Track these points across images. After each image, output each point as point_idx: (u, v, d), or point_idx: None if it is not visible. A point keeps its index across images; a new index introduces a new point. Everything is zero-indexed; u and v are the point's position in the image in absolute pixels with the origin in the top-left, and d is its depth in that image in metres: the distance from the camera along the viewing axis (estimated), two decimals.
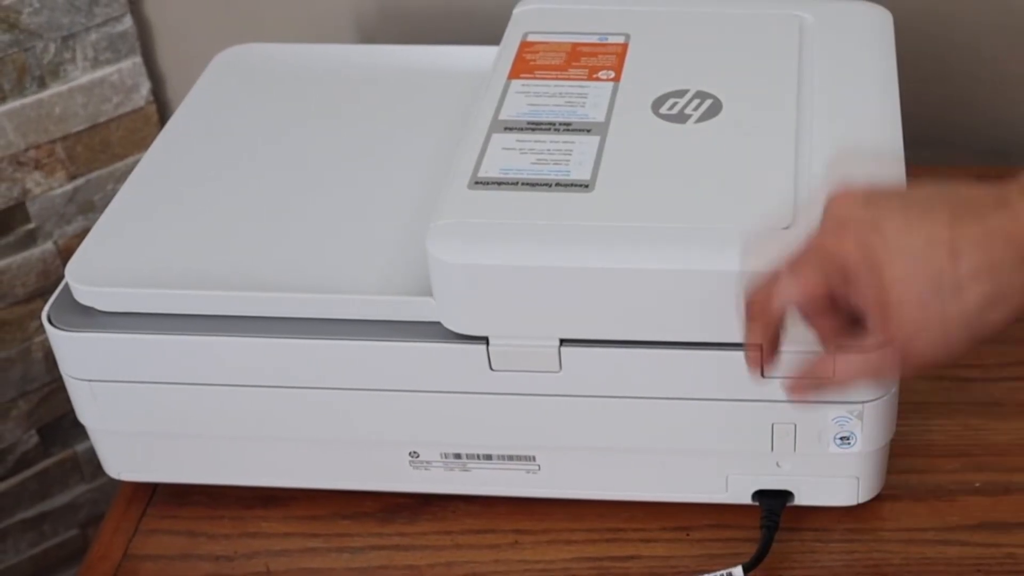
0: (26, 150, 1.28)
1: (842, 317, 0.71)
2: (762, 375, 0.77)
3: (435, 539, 0.94)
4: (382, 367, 0.87)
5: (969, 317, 0.67)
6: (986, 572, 0.89)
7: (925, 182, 0.69)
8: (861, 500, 0.92)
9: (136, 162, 1.01)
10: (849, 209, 0.69)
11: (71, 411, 0.94)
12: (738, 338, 0.82)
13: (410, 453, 0.92)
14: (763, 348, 0.74)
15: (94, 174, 1.34)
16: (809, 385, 0.75)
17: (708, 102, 0.91)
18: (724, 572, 0.88)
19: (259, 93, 1.07)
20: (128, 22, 1.29)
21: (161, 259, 0.90)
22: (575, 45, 0.99)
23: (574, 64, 0.96)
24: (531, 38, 1.00)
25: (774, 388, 0.84)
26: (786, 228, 0.81)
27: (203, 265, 0.89)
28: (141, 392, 0.90)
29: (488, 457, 0.92)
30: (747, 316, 0.74)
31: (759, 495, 0.91)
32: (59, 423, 1.42)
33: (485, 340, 0.84)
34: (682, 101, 0.92)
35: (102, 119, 1.31)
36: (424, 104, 1.04)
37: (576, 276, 0.81)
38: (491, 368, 0.85)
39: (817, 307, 0.71)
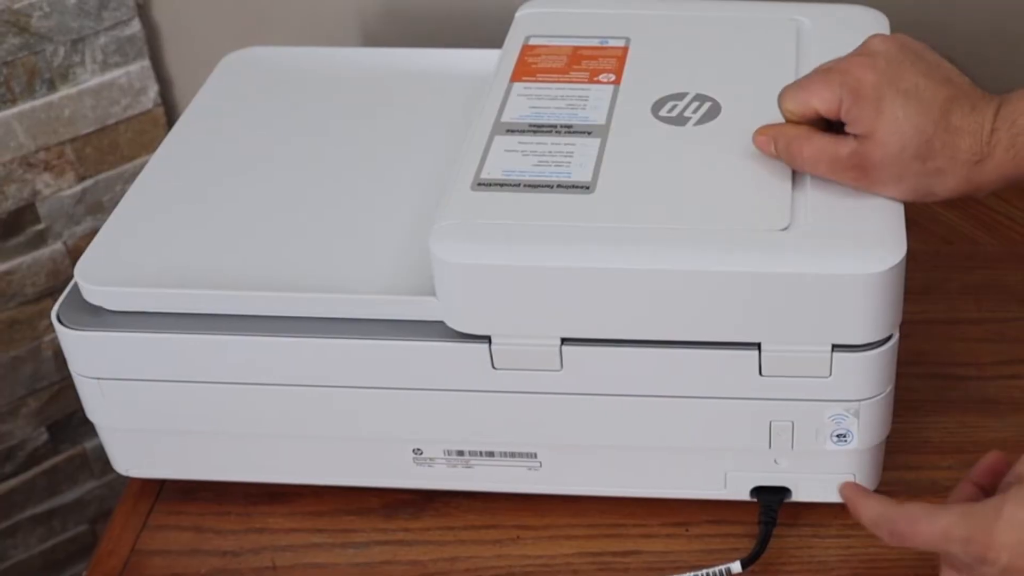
0: (36, 152, 1.28)
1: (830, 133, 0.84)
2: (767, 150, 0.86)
3: (438, 535, 0.94)
4: (386, 366, 0.87)
5: (924, 182, 0.82)
6: None
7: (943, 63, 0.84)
8: None
9: (144, 164, 1.01)
10: (884, 47, 0.83)
11: (80, 409, 0.94)
12: (735, 338, 0.82)
13: (414, 450, 0.93)
14: (778, 137, 0.85)
15: (103, 175, 1.34)
16: (780, 146, 0.85)
17: (707, 105, 0.92)
18: (723, 567, 0.88)
19: (265, 96, 1.07)
20: (136, 26, 1.29)
21: (169, 259, 0.90)
22: (576, 48, 0.99)
23: (575, 67, 0.97)
24: (533, 41, 1.00)
25: (772, 386, 0.84)
26: (783, 229, 0.81)
27: (210, 265, 0.90)
28: (149, 390, 0.90)
29: (490, 454, 0.92)
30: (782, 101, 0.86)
31: (757, 491, 0.91)
32: (68, 420, 1.43)
33: (488, 339, 0.84)
34: (681, 104, 0.92)
35: (111, 121, 1.32)
36: (427, 106, 1.04)
37: (577, 276, 0.81)
38: (493, 367, 0.85)
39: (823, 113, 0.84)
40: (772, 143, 0.85)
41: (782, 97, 0.85)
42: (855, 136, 0.82)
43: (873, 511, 0.80)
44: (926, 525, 0.77)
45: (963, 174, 0.81)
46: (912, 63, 0.82)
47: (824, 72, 0.84)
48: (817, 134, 0.84)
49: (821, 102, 0.83)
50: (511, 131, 0.90)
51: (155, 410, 0.91)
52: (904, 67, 0.82)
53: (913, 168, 0.81)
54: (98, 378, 0.90)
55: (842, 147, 0.82)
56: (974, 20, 1.26)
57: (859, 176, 0.82)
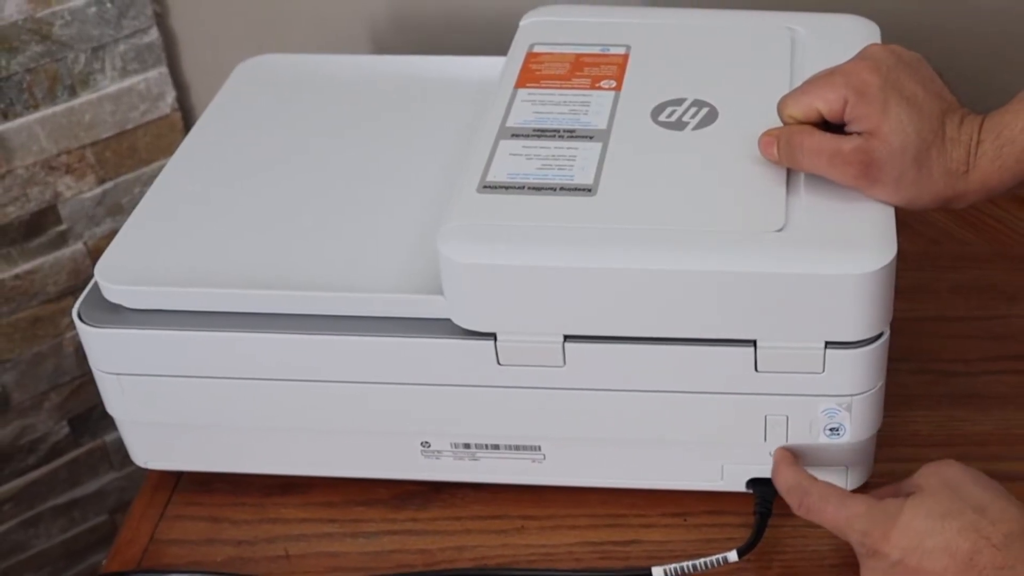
0: (58, 155, 1.28)
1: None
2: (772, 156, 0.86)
3: (445, 524, 0.94)
4: (395, 362, 0.87)
5: (915, 189, 0.82)
6: None
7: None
8: (850, 488, 0.92)
9: (162, 167, 1.01)
10: (884, 55, 0.83)
11: (100, 403, 0.94)
12: (731, 335, 0.82)
13: (422, 443, 0.93)
14: (780, 135, 0.85)
15: (122, 178, 1.34)
16: (782, 143, 0.84)
17: (705, 110, 0.91)
18: (720, 556, 0.88)
19: (278, 101, 1.07)
20: (154, 34, 1.29)
21: (185, 259, 0.90)
22: (578, 56, 0.99)
23: (577, 74, 0.97)
24: (537, 49, 1.00)
25: (768, 382, 0.84)
26: (778, 231, 0.81)
27: (225, 264, 0.90)
28: (166, 385, 0.90)
29: (496, 447, 0.92)
30: (782, 108, 0.86)
31: (753, 483, 0.91)
32: (89, 414, 1.43)
33: (493, 336, 0.85)
34: (680, 109, 0.92)
35: (129, 126, 1.32)
36: (435, 112, 1.04)
37: (579, 276, 0.81)
38: (498, 363, 0.86)
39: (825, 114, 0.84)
40: (775, 143, 0.85)
41: (783, 104, 0.85)
42: (858, 133, 0.82)
43: (791, 479, 0.85)
44: (834, 508, 0.82)
45: (951, 183, 0.82)
46: (910, 74, 0.82)
47: (827, 75, 0.84)
48: (819, 131, 0.84)
49: (824, 103, 0.83)
50: (516, 135, 0.90)
51: (172, 404, 0.92)
52: (904, 76, 0.82)
53: (910, 173, 0.81)
54: (117, 374, 0.91)
55: (845, 142, 0.82)
56: (962, 28, 1.25)
57: (859, 173, 0.82)
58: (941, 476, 0.81)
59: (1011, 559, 0.75)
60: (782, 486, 0.86)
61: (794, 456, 0.88)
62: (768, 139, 0.85)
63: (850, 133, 0.83)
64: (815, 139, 0.83)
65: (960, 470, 0.81)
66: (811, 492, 0.84)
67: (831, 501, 0.83)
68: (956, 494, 0.79)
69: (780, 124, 0.86)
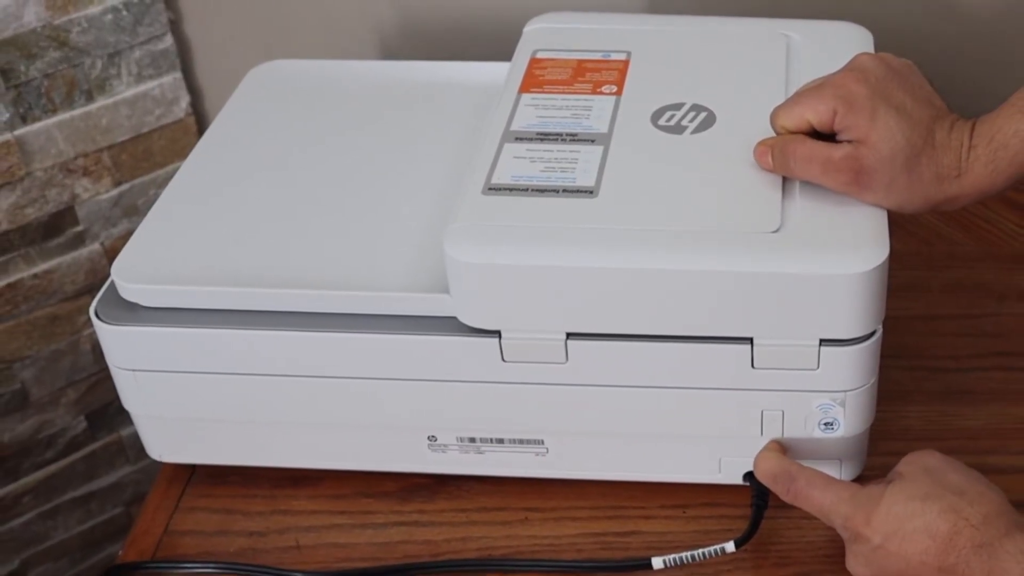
0: (75, 158, 1.29)
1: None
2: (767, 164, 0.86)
3: (451, 516, 0.95)
4: (403, 358, 0.87)
5: (906, 193, 0.82)
6: None
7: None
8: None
9: (176, 169, 1.01)
10: (873, 65, 0.83)
11: (116, 398, 0.95)
12: (729, 333, 0.82)
13: (428, 437, 0.93)
14: (774, 144, 0.85)
15: (137, 180, 1.34)
16: (776, 152, 0.84)
17: (703, 114, 0.92)
18: (717, 547, 0.88)
19: (289, 105, 1.07)
20: (169, 40, 1.29)
21: (199, 258, 0.91)
22: (580, 61, 0.99)
23: (580, 79, 0.97)
24: (540, 55, 1.00)
25: (764, 378, 0.84)
26: (774, 231, 0.81)
27: (237, 264, 0.90)
28: (181, 381, 0.90)
29: (500, 441, 0.92)
30: (774, 118, 0.86)
31: (749, 476, 0.91)
32: (105, 409, 1.43)
33: (497, 334, 0.85)
34: (679, 113, 0.92)
35: (145, 130, 1.32)
36: (441, 116, 1.04)
37: (581, 275, 0.81)
38: (503, 359, 0.86)
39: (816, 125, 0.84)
40: (769, 152, 0.85)
41: (775, 115, 0.85)
42: (849, 142, 0.82)
43: (776, 465, 0.85)
44: (820, 493, 0.83)
45: (942, 188, 0.82)
46: (899, 83, 0.82)
47: (816, 87, 0.84)
48: (811, 139, 0.84)
49: (815, 114, 0.83)
50: (520, 139, 0.91)
51: (186, 399, 0.92)
52: (892, 85, 0.82)
53: (901, 179, 0.81)
54: (133, 370, 0.91)
55: (836, 150, 0.82)
56: (954, 34, 1.25)
57: (850, 180, 0.82)
58: (921, 463, 0.81)
59: (988, 537, 0.75)
60: (764, 472, 0.86)
61: (780, 447, 0.88)
62: (763, 148, 0.85)
63: (841, 141, 0.83)
64: (807, 147, 0.83)
65: (940, 458, 0.82)
66: (798, 478, 0.84)
67: (817, 486, 0.83)
68: (936, 479, 0.79)
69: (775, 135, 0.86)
